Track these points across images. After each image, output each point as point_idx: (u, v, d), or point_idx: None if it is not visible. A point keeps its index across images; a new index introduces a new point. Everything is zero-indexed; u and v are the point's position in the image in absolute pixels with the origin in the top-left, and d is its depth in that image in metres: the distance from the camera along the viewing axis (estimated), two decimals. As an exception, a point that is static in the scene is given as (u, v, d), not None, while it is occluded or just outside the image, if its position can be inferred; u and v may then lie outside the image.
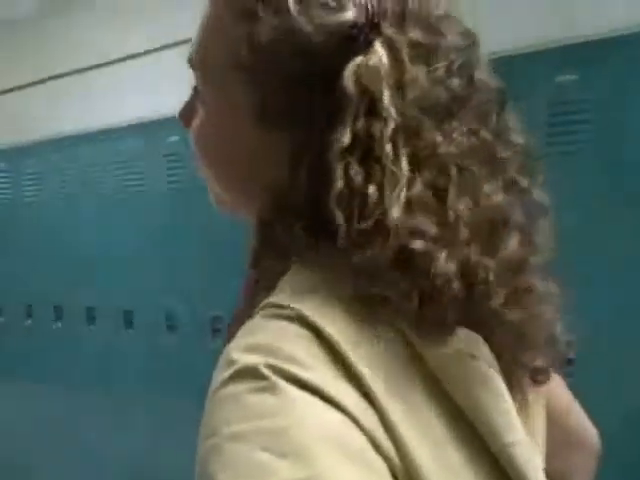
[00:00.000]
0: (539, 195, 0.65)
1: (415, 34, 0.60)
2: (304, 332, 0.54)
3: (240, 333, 0.56)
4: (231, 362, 0.53)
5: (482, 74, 0.63)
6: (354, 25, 0.59)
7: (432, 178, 0.57)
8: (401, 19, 0.60)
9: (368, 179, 0.56)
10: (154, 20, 3.32)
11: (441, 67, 0.60)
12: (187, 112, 0.73)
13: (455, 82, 0.60)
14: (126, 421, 3.17)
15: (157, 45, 3.30)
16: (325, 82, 0.59)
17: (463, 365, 0.57)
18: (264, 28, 0.61)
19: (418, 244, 0.55)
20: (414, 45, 0.59)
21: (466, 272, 0.56)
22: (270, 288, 0.61)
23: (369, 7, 0.60)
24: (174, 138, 3.06)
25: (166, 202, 3.13)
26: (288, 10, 0.60)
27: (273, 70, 0.62)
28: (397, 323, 0.56)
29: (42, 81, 3.87)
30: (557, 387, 0.81)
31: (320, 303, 0.56)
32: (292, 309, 0.55)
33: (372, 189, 0.56)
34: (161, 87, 3.21)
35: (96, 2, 3.55)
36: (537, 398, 0.70)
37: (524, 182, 0.64)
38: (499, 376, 0.59)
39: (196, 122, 0.71)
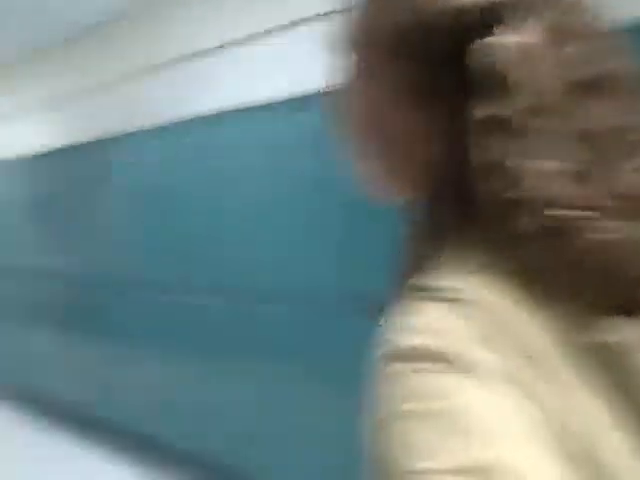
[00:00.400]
0: None
1: (547, 16, 0.61)
2: (467, 311, 0.55)
3: (399, 314, 0.58)
4: (395, 342, 0.55)
5: (618, 59, 0.63)
6: (476, 6, 0.61)
7: (576, 151, 0.58)
8: (532, 4, 0.61)
9: (505, 152, 0.58)
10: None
11: (575, 49, 0.60)
12: (340, 90, 0.76)
13: (591, 65, 0.61)
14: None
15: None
16: (454, 61, 0.62)
17: (632, 358, 0.57)
18: (402, 12, 0.65)
19: (563, 211, 0.56)
20: (546, 27, 0.60)
21: (611, 244, 0.56)
22: (421, 267, 0.63)
23: None
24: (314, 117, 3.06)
25: (306, 182, 3.13)
26: None
27: (410, 49, 0.65)
28: (553, 301, 0.57)
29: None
30: None
31: (479, 283, 0.57)
32: (455, 290, 0.57)
33: (510, 162, 0.57)
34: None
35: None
36: None
37: None
38: None
39: (350, 104, 0.74)
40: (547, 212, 0.56)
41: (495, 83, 0.59)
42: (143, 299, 4.13)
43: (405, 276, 0.67)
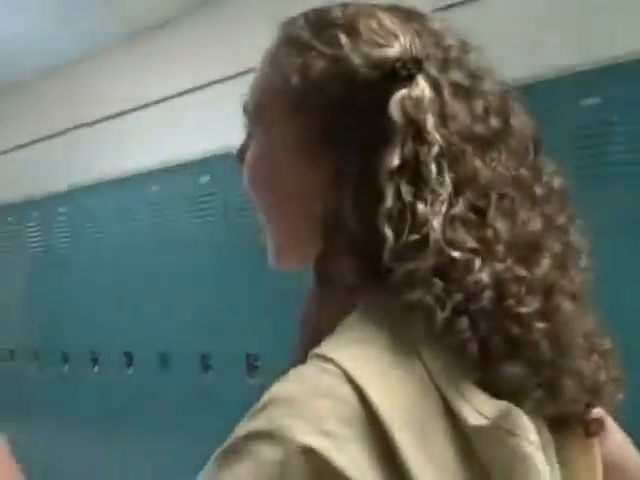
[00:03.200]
0: (576, 236, 0.69)
1: (456, 76, 0.66)
2: (344, 390, 0.56)
3: (284, 377, 0.59)
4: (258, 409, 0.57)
5: (518, 119, 0.69)
6: (398, 60, 0.65)
7: (473, 199, 0.62)
8: (443, 63, 0.67)
9: (417, 197, 0.61)
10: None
11: (480, 106, 0.66)
12: (241, 152, 0.78)
13: (493, 121, 0.66)
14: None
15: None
16: (371, 110, 0.64)
17: (501, 443, 0.56)
18: (317, 59, 0.67)
19: (456, 253, 0.59)
20: (455, 85, 0.66)
21: (500, 284, 0.59)
22: (330, 329, 0.64)
23: (413, 48, 0.66)
24: (204, 179, 3.13)
25: (202, 245, 3.16)
26: (339, 44, 0.66)
27: (323, 97, 0.67)
28: (434, 373, 0.58)
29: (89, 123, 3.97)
30: (616, 435, 0.79)
31: (367, 356, 0.58)
32: (336, 364, 0.57)
33: (421, 206, 0.60)
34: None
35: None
36: (588, 453, 0.69)
37: (561, 220, 0.68)
38: (539, 453, 0.57)
39: (247, 158, 0.76)
40: (444, 251, 0.59)
41: (412, 132, 0.62)
42: (30, 370, 4.01)
43: (307, 337, 0.69)
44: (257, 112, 0.75)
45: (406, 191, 0.61)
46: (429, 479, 0.53)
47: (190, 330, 3.14)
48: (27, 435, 3.68)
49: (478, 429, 0.56)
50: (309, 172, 0.69)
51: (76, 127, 4.01)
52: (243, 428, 0.57)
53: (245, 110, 0.78)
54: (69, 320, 3.74)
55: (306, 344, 0.65)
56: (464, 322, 0.58)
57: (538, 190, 0.67)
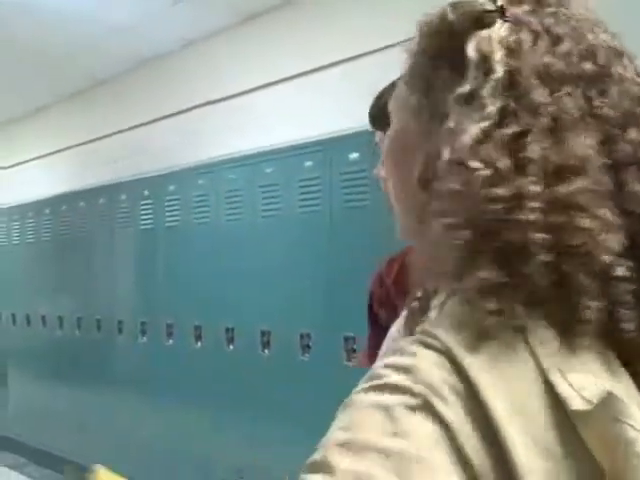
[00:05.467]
0: None
1: (545, 21, 0.66)
2: (445, 363, 0.56)
3: (391, 353, 0.60)
4: (376, 376, 0.57)
5: (616, 71, 0.67)
6: (486, 10, 0.67)
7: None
8: (533, 8, 0.67)
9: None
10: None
11: (565, 48, 0.65)
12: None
13: (579, 61, 0.65)
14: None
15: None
16: (459, 57, 0.66)
17: (605, 428, 0.55)
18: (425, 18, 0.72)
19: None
20: (540, 28, 0.65)
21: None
22: (425, 309, 0.65)
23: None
24: (308, 163, 3.16)
25: (308, 226, 3.20)
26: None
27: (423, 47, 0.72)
28: (539, 355, 0.57)
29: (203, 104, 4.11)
30: None
31: (468, 335, 0.58)
32: (440, 341, 0.58)
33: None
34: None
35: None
36: None
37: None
38: None
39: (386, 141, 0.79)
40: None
41: (481, 65, 0.64)
42: (139, 341, 4.17)
43: (411, 317, 0.68)
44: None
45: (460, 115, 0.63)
46: (530, 459, 0.53)
47: (290, 310, 3.18)
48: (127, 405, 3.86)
49: (582, 414, 0.55)
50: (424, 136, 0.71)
51: (190, 109, 4.14)
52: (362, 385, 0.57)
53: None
54: (176, 295, 3.87)
55: (413, 319, 0.66)
56: (581, 287, 0.57)
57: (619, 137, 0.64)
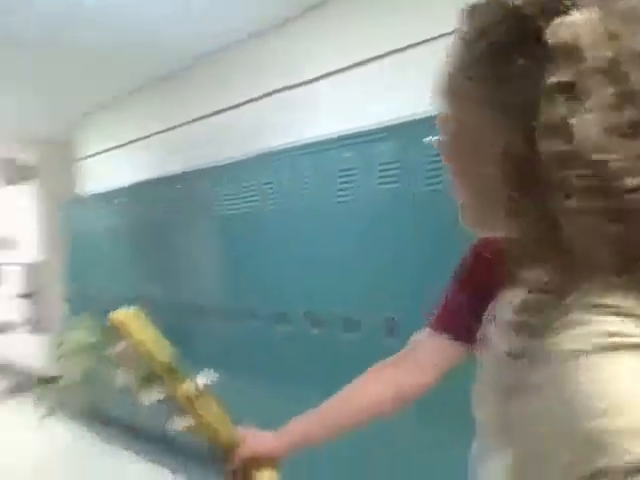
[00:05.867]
0: None
1: (622, 4, 0.64)
2: None
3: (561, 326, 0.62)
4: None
5: None
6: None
7: (633, 115, 0.60)
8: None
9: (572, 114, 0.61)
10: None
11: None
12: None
13: None
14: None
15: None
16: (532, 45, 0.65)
17: None
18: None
19: None
20: (619, 11, 0.64)
21: None
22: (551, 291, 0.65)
23: None
24: (386, 146, 3.13)
25: (385, 211, 3.19)
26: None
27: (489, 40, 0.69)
28: None
29: (278, 90, 4.12)
30: None
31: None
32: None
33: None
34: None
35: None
36: None
37: None
38: None
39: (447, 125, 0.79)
40: None
41: (566, 53, 0.62)
42: (221, 326, 4.25)
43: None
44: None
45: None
46: None
47: (375, 294, 3.19)
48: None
49: None
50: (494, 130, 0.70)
51: (267, 94, 4.16)
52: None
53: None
54: (258, 281, 3.92)
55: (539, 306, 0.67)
56: None
57: None
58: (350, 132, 3.39)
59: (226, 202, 4.20)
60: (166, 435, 4.60)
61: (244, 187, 4.04)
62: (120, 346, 1.27)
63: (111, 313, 1.29)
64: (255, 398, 3.83)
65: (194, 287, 4.53)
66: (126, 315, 1.30)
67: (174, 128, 5.03)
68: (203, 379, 1.29)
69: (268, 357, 3.84)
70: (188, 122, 4.88)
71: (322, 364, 3.47)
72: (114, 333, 1.28)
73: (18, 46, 4.30)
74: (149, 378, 1.27)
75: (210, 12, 3.78)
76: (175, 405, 1.28)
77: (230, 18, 3.92)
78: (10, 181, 8.03)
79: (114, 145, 5.92)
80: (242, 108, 4.37)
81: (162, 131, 5.18)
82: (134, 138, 5.60)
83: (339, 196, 3.40)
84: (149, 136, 5.37)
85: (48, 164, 7.66)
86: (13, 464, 5.13)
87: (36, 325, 8.21)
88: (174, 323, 4.59)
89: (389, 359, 1.41)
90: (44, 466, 5.06)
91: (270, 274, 3.82)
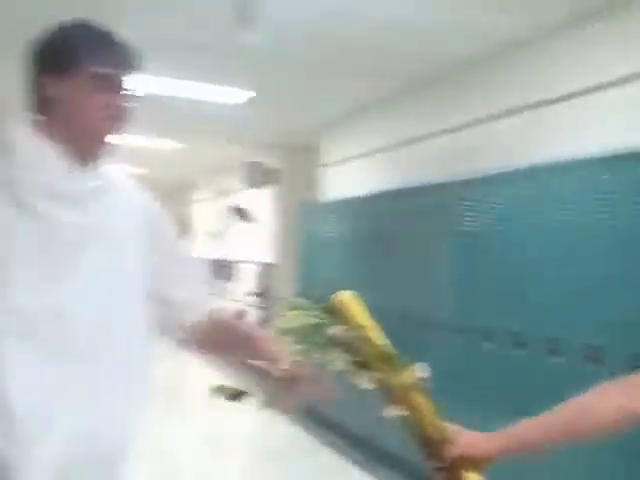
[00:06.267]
0: None
1: None
2: None
3: None
4: None
5: None
6: None
7: None
8: None
9: None
10: None
11: None
12: None
13: None
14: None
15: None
16: None
17: None
18: None
19: None
20: None
21: None
22: None
23: None
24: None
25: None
26: None
27: None
28: None
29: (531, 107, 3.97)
30: None
31: None
32: None
33: None
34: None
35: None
36: None
37: None
38: None
39: None
40: None
41: None
42: (459, 343, 4.13)
43: None
44: None
45: None
46: None
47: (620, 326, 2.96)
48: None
49: None
50: None
51: (521, 109, 3.99)
52: None
53: None
54: (496, 301, 3.78)
55: None
56: None
57: None
58: (612, 153, 3.16)
59: (472, 216, 4.08)
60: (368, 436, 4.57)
61: (494, 202, 3.90)
62: (339, 329, 1.27)
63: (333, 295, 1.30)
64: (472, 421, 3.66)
65: (427, 301, 4.45)
66: (348, 297, 1.32)
67: (422, 139, 5.00)
68: (420, 371, 1.27)
69: (499, 381, 3.67)
70: (436, 134, 4.82)
71: (558, 394, 3.21)
72: (334, 315, 1.30)
73: (279, 61, 4.55)
74: (364, 364, 1.26)
75: (477, 18, 3.69)
76: (388, 393, 1.26)
77: (497, 24, 3.80)
78: (254, 184, 8.50)
79: (357, 154, 6.03)
80: (501, 120, 4.21)
81: (408, 141, 5.18)
82: (378, 147, 5.65)
83: (599, 218, 3.16)
84: (395, 146, 5.39)
85: (291, 169, 8.02)
86: (237, 449, 5.40)
87: (264, 324, 8.61)
88: (398, 333, 4.54)
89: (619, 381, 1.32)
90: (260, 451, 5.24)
91: (511, 295, 3.66)
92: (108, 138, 1.22)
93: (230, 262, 9.70)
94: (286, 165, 8.11)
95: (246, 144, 7.92)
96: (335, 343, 1.27)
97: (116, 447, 1.21)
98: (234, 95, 5.43)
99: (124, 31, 1.29)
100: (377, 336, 1.29)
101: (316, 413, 5.57)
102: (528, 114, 3.96)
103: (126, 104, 1.22)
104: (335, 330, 1.28)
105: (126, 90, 1.22)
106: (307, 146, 7.20)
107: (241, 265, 9.42)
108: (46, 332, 1.10)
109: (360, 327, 1.28)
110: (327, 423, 5.56)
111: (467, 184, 4.15)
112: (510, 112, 4.10)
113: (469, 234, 4.07)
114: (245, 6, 3.41)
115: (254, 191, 8.64)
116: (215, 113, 6.14)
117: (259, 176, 8.35)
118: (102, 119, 1.18)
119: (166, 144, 7.94)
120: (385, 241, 5.01)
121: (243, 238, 9.26)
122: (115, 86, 1.21)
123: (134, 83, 1.24)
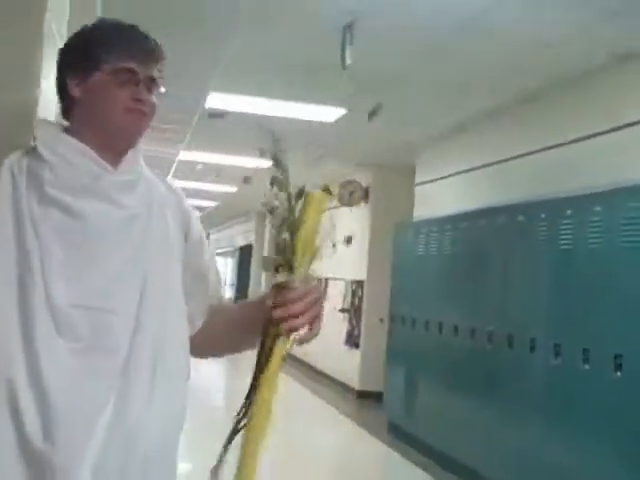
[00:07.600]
0: None
1: None
2: None
3: None
4: None
5: None
6: None
7: None
8: None
9: None
10: None
11: None
12: None
13: None
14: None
15: None
16: None
17: None
18: None
19: None
20: None
21: None
22: None
23: None
24: None
25: None
26: None
27: None
28: None
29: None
30: None
31: None
32: None
33: None
34: None
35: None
36: None
37: None
38: None
39: None
40: None
41: None
42: (534, 360, 4.10)
43: None
44: None
45: None
46: None
47: None
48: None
49: None
50: None
51: (619, 127, 3.86)
52: None
53: None
54: (589, 317, 3.70)
55: None
56: None
57: None
58: None
59: (568, 235, 3.98)
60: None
61: (592, 221, 3.80)
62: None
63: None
64: (574, 443, 3.62)
65: (524, 318, 4.37)
66: (320, 196, 1.24)
67: (519, 157, 4.90)
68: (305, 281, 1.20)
69: (601, 403, 3.56)
70: (533, 152, 4.71)
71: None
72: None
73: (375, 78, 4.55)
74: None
75: (570, 36, 3.59)
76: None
77: (587, 44, 3.68)
78: (347, 202, 8.49)
79: (452, 172, 5.96)
80: (592, 140, 4.10)
81: (505, 160, 5.08)
82: (474, 166, 5.57)
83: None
84: (490, 164, 5.30)
85: (385, 187, 7.99)
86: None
87: (351, 340, 8.57)
88: (502, 352, 4.45)
89: None
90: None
91: (609, 316, 3.53)
92: (135, 131, 1.22)
93: (320, 278, 9.72)
94: (381, 183, 8.08)
95: (338, 162, 7.93)
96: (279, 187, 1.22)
97: (154, 453, 1.14)
98: (326, 113, 5.47)
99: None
100: (307, 234, 1.21)
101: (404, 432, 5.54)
102: (630, 130, 3.82)
103: (150, 97, 1.21)
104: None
105: (149, 82, 1.22)
106: (404, 165, 7.14)
107: (331, 281, 9.42)
108: (81, 328, 1.09)
109: (303, 220, 1.21)
110: (415, 441, 5.51)
111: (566, 202, 4.06)
112: (611, 129, 3.98)
113: (567, 253, 3.98)
114: (352, 26, 3.47)
115: (347, 209, 8.62)
116: (306, 130, 6.17)
117: (352, 194, 8.34)
118: (126, 113, 1.18)
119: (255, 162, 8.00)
120: (477, 259, 4.97)
121: (334, 255, 9.26)
122: (137, 79, 1.20)
123: (159, 75, 1.23)
